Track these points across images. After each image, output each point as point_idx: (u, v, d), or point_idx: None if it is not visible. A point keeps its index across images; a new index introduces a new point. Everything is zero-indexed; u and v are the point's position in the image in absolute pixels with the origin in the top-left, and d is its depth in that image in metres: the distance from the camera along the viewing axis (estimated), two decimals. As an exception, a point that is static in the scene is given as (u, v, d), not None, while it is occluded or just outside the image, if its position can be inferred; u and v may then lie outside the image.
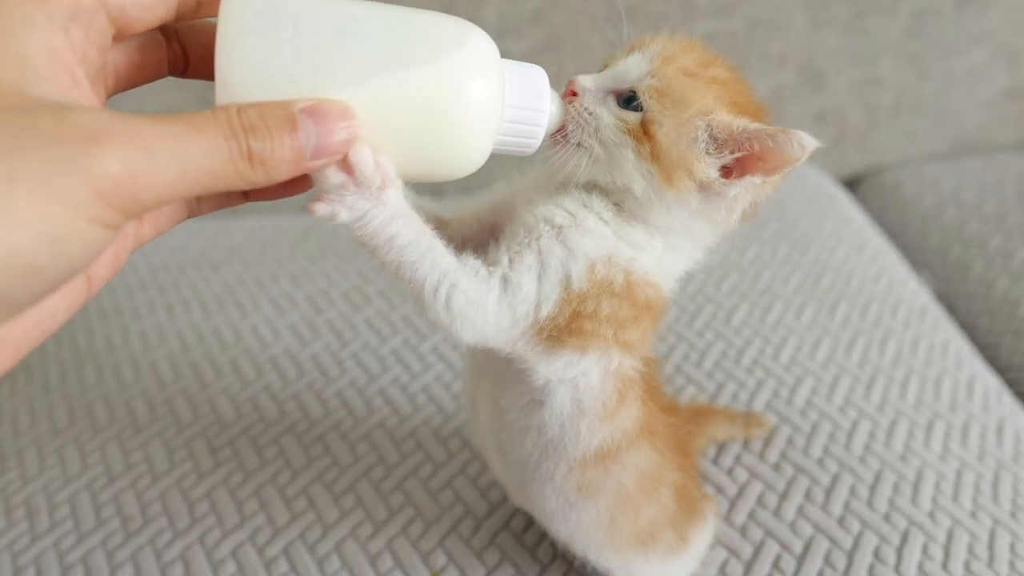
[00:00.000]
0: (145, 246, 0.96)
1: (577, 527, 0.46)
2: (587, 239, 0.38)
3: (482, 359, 0.45)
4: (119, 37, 0.31)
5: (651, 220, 0.39)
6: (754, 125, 0.37)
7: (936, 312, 0.84)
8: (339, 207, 0.33)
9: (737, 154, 0.37)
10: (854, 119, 1.17)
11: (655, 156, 0.37)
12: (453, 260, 0.37)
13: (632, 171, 0.38)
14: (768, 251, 0.89)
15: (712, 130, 0.37)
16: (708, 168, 0.37)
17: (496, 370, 0.43)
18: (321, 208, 0.33)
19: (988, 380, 0.75)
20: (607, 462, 0.43)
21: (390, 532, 0.57)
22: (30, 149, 0.24)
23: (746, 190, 0.38)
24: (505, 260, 0.38)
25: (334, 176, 0.33)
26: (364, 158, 0.32)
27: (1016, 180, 1.10)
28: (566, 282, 0.37)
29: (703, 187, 0.38)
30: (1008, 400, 0.73)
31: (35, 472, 0.64)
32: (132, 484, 0.62)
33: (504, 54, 0.35)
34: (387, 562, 0.55)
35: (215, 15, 0.32)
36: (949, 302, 0.94)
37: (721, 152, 0.37)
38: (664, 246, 0.40)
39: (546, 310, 0.37)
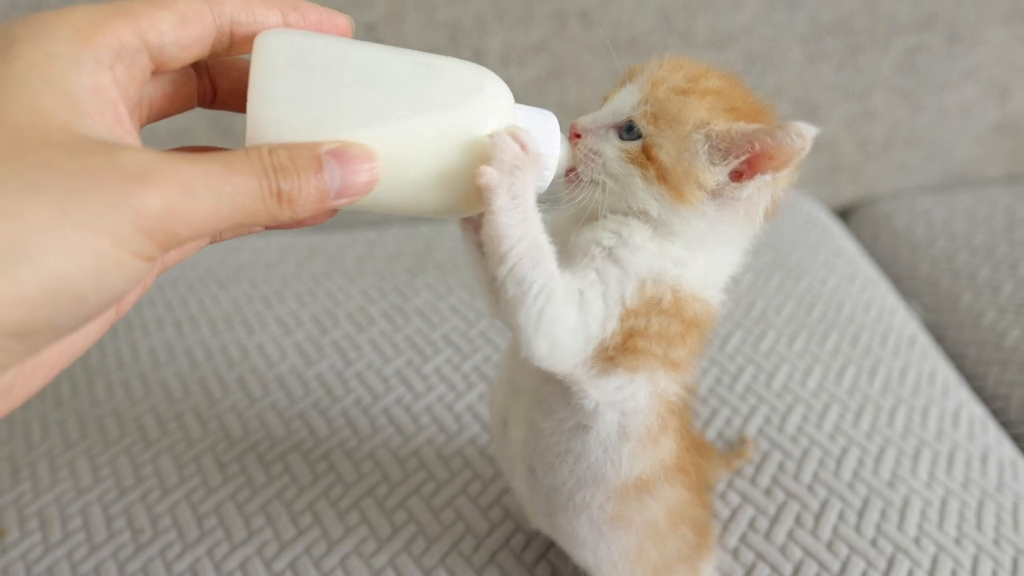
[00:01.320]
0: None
1: (605, 557, 0.47)
2: (636, 257, 0.39)
3: (522, 379, 0.46)
4: (156, 73, 0.33)
5: (681, 234, 0.40)
6: (751, 126, 0.38)
7: (925, 342, 0.87)
8: (508, 180, 0.35)
9: (743, 157, 0.38)
10: (847, 151, 1.20)
11: (662, 177, 0.39)
12: (557, 270, 0.37)
13: (644, 195, 0.39)
14: (762, 280, 0.91)
15: (712, 140, 0.38)
16: (716, 176, 0.38)
17: (538, 392, 0.44)
18: (491, 175, 0.34)
19: (974, 409, 0.77)
20: (643, 494, 0.44)
21: (393, 549, 0.59)
22: (82, 188, 0.26)
23: (759, 189, 0.39)
24: (573, 283, 0.38)
25: (512, 146, 0.34)
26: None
27: (1005, 213, 1.13)
28: (623, 300, 0.38)
29: (716, 195, 0.39)
30: (993, 429, 0.75)
31: (47, 484, 0.66)
32: (142, 497, 0.64)
33: (508, 83, 0.37)
34: (390, 578, 0.57)
35: (245, 52, 0.34)
36: (938, 332, 0.96)
37: (726, 159, 0.38)
38: (706, 260, 0.41)
39: (610, 328, 0.38)
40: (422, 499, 0.63)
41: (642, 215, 0.40)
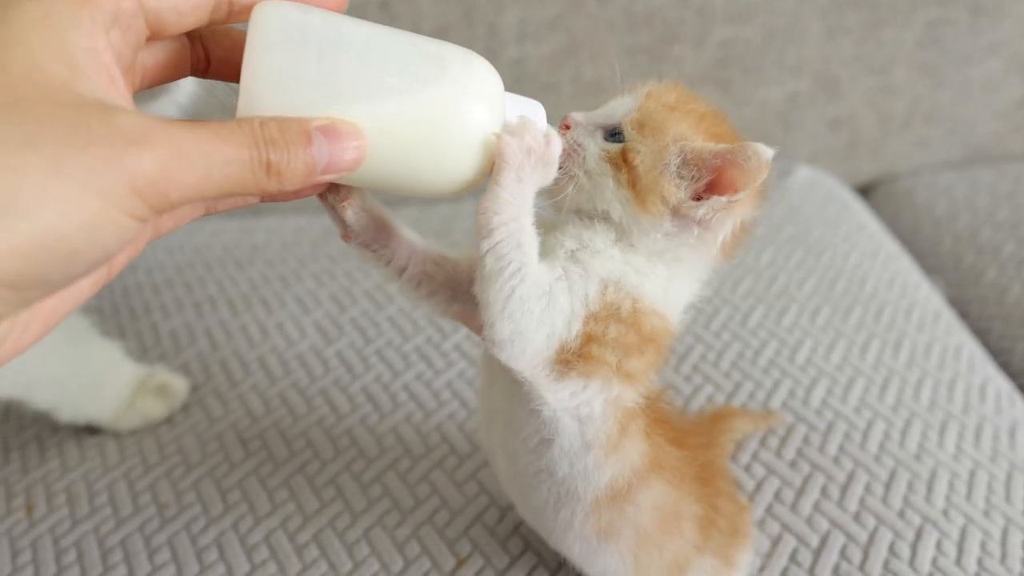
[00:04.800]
0: (170, 245, 0.99)
1: (604, 570, 0.47)
2: (597, 260, 0.40)
3: (492, 403, 0.47)
4: (151, 39, 0.33)
5: (640, 245, 0.41)
6: (719, 146, 0.39)
7: (949, 317, 0.86)
8: (521, 160, 0.36)
9: (707, 178, 0.39)
10: (868, 126, 1.18)
11: (632, 182, 0.40)
12: (537, 258, 0.38)
13: (611, 198, 0.40)
14: (783, 255, 0.90)
15: (684, 156, 0.39)
16: (679, 193, 0.39)
17: (506, 412, 0.44)
18: (512, 146, 0.36)
19: (1001, 383, 0.76)
20: (621, 502, 0.44)
21: (417, 520, 0.59)
22: (78, 145, 0.27)
23: (714, 211, 0.40)
24: (545, 275, 0.39)
25: (537, 133, 0.36)
26: (536, 114, 0.37)
27: (1029, 189, 1.11)
28: (586, 300, 0.39)
29: (675, 212, 0.40)
30: (1020, 404, 0.74)
31: (75, 462, 0.66)
32: (167, 473, 0.65)
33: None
34: (414, 549, 0.57)
35: (243, 21, 0.34)
36: (962, 307, 0.95)
37: (692, 176, 0.39)
38: (667, 273, 0.41)
39: (575, 328, 0.39)
40: (445, 472, 0.63)
41: (606, 219, 0.41)
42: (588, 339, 0.39)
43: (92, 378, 0.69)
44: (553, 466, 0.43)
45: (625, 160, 0.40)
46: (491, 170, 0.37)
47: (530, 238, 0.38)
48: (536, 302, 0.38)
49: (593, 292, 0.39)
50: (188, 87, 0.49)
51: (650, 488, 0.44)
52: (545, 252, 0.41)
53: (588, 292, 0.39)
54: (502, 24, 1.00)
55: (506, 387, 0.43)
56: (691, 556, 0.48)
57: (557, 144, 0.38)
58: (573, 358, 0.39)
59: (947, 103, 1.19)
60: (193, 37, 0.37)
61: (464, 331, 0.78)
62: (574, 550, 0.47)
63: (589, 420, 0.41)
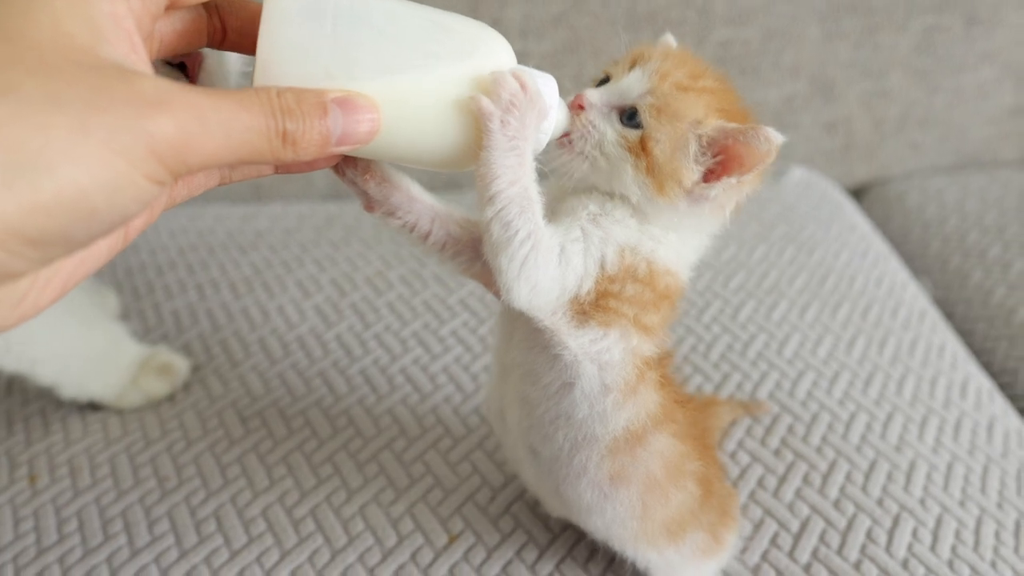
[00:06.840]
0: (173, 228, 1.00)
1: (613, 518, 0.49)
2: (617, 227, 0.42)
3: (509, 357, 0.48)
4: (170, 8, 0.34)
5: (654, 221, 0.43)
6: (730, 125, 0.40)
7: (934, 316, 0.88)
8: (503, 115, 0.36)
9: (718, 157, 0.41)
10: (862, 130, 1.20)
11: (651, 169, 0.41)
12: (543, 221, 0.39)
13: (630, 183, 0.42)
14: (775, 252, 0.92)
15: (700, 139, 0.41)
16: (694, 175, 0.41)
17: (524, 363, 0.46)
18: (486, 103, 0.36)
19: (981, 381, 0.78)
20: (635, 447, 0.46)
21: (411, 498, 0.61)
22: (101, 106, 0.28)
23: (725, 191, 0.42)
24: (557, 236, 0.41)
25: (511, 84, 0.36)
26: (548, 87, 0.37)
27: (1018, 195, 1.13)
28: (602, 262, 0.41)
29: (688, 192, 0.42)
30: (1000, 400, 0.76)
31: (79, 435, 0.68)
32: (168, 448, 0.66)
33: (526, 54, 0.39)
34: (408, 525, 0.59)
35: None
36: (947, 308, 0.97)
37: (705, 157, 0.41)
38: (678, 239, 0.44)
39: (586, 286, 0.41)
40: (439, 453, 0.64)
41: (621, 198, 0.43)
42: (605, 294, 0.41)
43: (95, 357, 0.70)
44: (572, 409, 0.44)
45: (644, 147, 0.41)
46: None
47: (534, 201, 0.39)
48: (551, 264, 0.40)
49: (611, 256, 0.41)
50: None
51: (661, 436, 0.47)
52: (566, 212, 0.43)
53: (606, 255, 0.41)
54: (506, 19, 1.01)
55: (527, 337, 0.44)
56: (690, 519, 0.50)
57: (547, 84, 0.39)
58: (591, 309, 0.41)
59: (940, 109, 1.21)
60: (210, 8, 0.38)
61: (460, 318, 0.80)
62: (584, 498, 0.48)
63: (609, 366, 0.43)
